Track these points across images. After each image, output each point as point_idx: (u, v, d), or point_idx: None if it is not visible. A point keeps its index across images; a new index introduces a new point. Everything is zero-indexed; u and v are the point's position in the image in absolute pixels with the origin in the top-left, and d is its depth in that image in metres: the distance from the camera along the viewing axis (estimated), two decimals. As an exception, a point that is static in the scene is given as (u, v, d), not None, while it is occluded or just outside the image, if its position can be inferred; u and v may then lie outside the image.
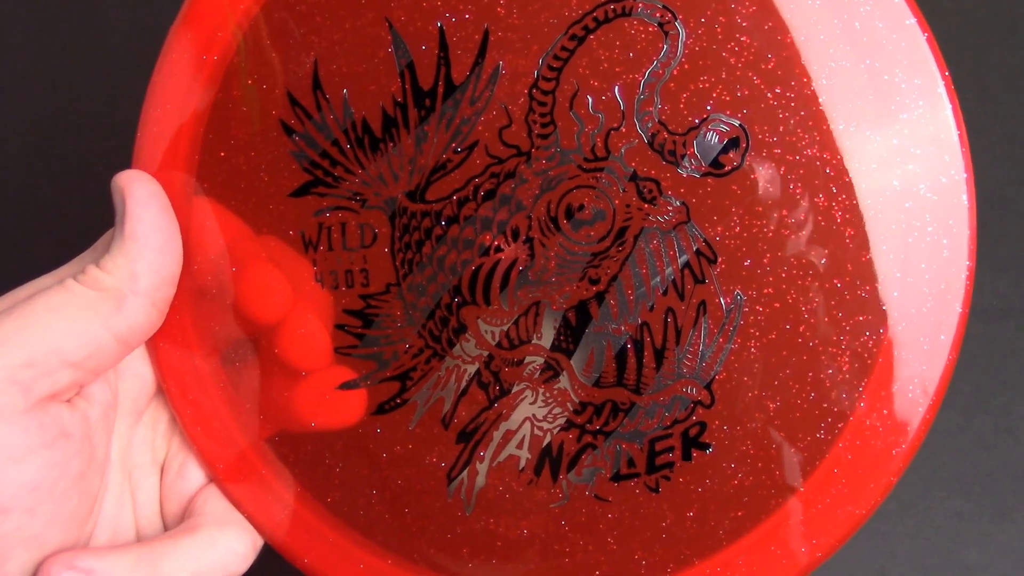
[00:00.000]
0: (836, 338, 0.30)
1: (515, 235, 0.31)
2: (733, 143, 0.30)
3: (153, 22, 0.48)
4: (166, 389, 0.34)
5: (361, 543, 0.33)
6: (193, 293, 0.33)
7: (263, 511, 0.34)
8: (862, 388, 0.30)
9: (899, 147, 0.29)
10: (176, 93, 0.33)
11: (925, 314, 0.30)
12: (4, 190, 0.50)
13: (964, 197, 0.29)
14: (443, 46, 0.31)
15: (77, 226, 0.49)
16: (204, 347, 0.34)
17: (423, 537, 0.33)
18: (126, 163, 0.47)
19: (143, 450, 0.35)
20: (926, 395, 0.30)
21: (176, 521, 0.35)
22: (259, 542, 0.35)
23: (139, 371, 0.34)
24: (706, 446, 0.31)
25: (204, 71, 0.33)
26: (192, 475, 0.35)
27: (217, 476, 0.34)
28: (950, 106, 0.29)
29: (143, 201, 0.32)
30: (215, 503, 0.34)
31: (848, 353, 0.30)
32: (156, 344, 0.34)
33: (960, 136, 0.29)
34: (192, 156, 0.33)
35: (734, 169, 0.30)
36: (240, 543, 0.34)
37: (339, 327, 0.32)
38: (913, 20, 0.29)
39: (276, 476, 0.34)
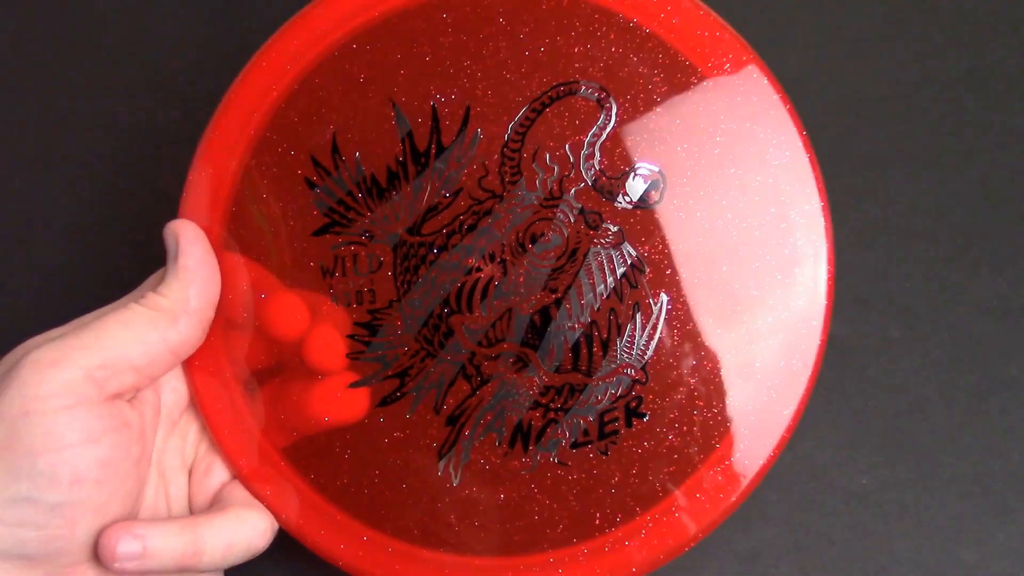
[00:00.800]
0: (737, 326, 0.39)
1: (491, 258, 0.40)
2: (654, 184, 0.40)
3: (153, 21, 0.53)
4: (199, 401, 0.41)
5: (364, 518, 0.40)
6: (224, 323, 0.41)
7: (281, 503, 0.41)
8: (758, 364, 0.39)
9: (773, 184, 0.40)
10: (217, 161, 0.41)
11: (801, 307, 0.39)
12: (4, 190, 0.52)
13: (822, 223, 0.40)
14: (435, 119, 0.40)
15: (77, 227, 0.51)
16: (234, 368, 0.41)
17: (417, 508, 0.40)
18: (126, 163, 0.51)
19: (174, 455, 0.41)
20: (806, 367, 0.39)
21: (203, 509, 0.41)
22: (277, 523, 0.41)
23: (175, 386, 0.41)
24: (643, 415, 0.39)
25: (241, 144, 0.41)
26: (217, 473, 0.41)
27: (241, 474, 0.41)
28: (807, 156, 0.40)
29: (192, 241, 0.40)
30: (240, 492, 0.41)
31: (747, 337, 0.39)
32: (192, 363, 0.41)
33: (815, 174, 0.40)
34: (228, 208, 0.41)
35: (656, 203, 0.40)
36: (262, 522, 0.40)
37: (351, 337, 0.41)
38: (777, 96, 0.40)
39: (294, 473, 0.41)
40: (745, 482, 0.39)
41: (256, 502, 0.41)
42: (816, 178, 0.40)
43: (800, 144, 0.40)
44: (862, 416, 0.48)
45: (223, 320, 0.41)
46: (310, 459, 0.41)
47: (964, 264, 0.49)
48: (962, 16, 0.52)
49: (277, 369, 0.41)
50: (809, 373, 0.39)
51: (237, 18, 0.53)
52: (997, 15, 0.52)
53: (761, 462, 0.39)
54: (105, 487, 0.37)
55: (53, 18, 0.54)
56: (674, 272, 0.40)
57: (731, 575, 0.45)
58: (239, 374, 0.41)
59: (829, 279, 0.39)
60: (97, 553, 0.37)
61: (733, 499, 0.39)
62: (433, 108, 0.40)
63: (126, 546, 0.36)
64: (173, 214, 0.42)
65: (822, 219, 0.39)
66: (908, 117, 0.50)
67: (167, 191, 0.49)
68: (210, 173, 0.41)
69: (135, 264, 0.49)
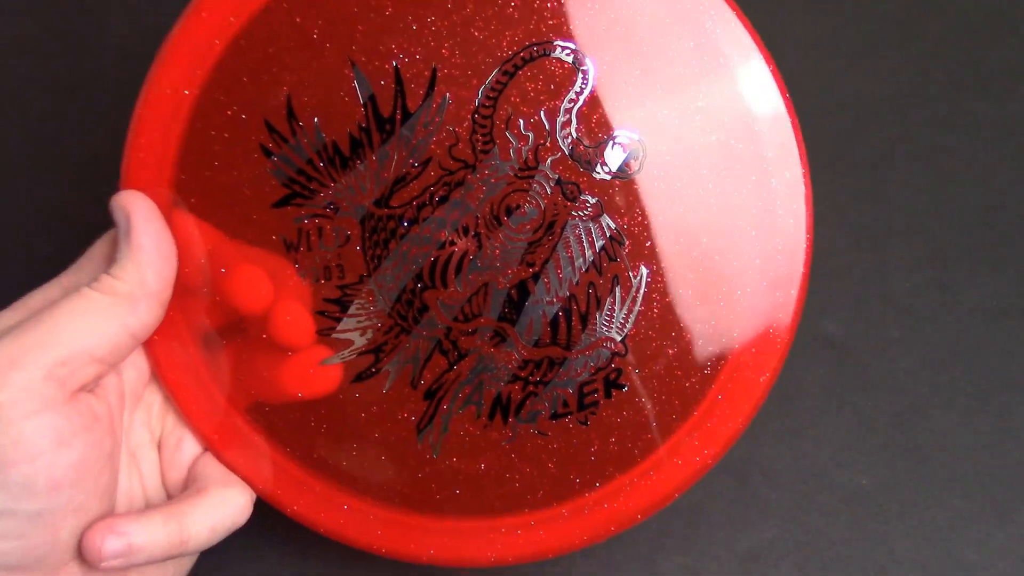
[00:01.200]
0: (715, 298, 0.39)
1: (465, 231, 0.39)
2: (633, 153, 0.38)
3: (153, 22, 0.52)
4: (161, 375, 0.40)
5: (344, 489, 0.40)
6: (181, 291, 0.39)
7: (255, 471, 0.40)
8: (736, 334, 0.40)
9: (755, 151, 0.38)
10: (158, 123, 0.38)
11: (779, 275, 0.39)
12: (4, 190, 0.51)
13: (802, 191, 0.39)
14: (399, 81, 0.38)
15: (77, 227, 0.50)
16: (194, 337, 0.39)
17: (398, 479, 0.40)
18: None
19: (142, 430, 0.40)
20: (782, 334, 0.40)
21: (178, 487, 0.40)
22: (255, 495, 0.41)
23: (136, 362, 0.40)
24: (622, 386, 0.40)
25: (184, 104, 0.38)
26: (188, 447, 0.41)
27: (212, 446, 0.40)
28: (790, 121, 0.39)
29: (146, 217, 0.37)
30: (213, 468, 0.40)
31: (724, 309, 0.39)
32: (151, 337, 0.39)
33: (797, 139, 0.39)
34: (176, 176, 0.38)
35: (635, 172, 0.39)
36: (243, 498, 0.40)
37: (320, 313, 0.39)
38: (762, 57, 0.38)
39: (266, 440, 0.40)
40: (718, 446, 0.40)
41: (233, 477, 0.40)
42: (798, 143, 0.39)
43: (784, 109, 0.38)
44: (862, 416, 0.47)
45: (181, 288, 0.39)
46: (284, 432, 0.40)
47: (964, 264, 0.49)
48: (962, 16, 0.52)
49: (241, 340, 0.39)
50: (785, 339, 0.40)
51: None
52: (997, 15, 0.52)
53: (737, 426, 0.40)
54: (82, 487, 0.36)
55: (54, 19, 0.52)
56: (654, 244, 0.39)
57: (731, 575, 0.45)
58: (201, 343, 0.40)
59: (807, 248, 0.39)
60: (82, 555, 0.36)
61: (708, 462, 0.40)
62: (396, 69, 0.38)
63: (111, 545, 0.36)
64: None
65: (803, 187, 0.39)
66: (908, 117, 0.50)
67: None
68: (154, 137, 0.38)
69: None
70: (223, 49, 0.38)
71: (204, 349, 0.39)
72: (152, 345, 0.39)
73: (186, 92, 0.38)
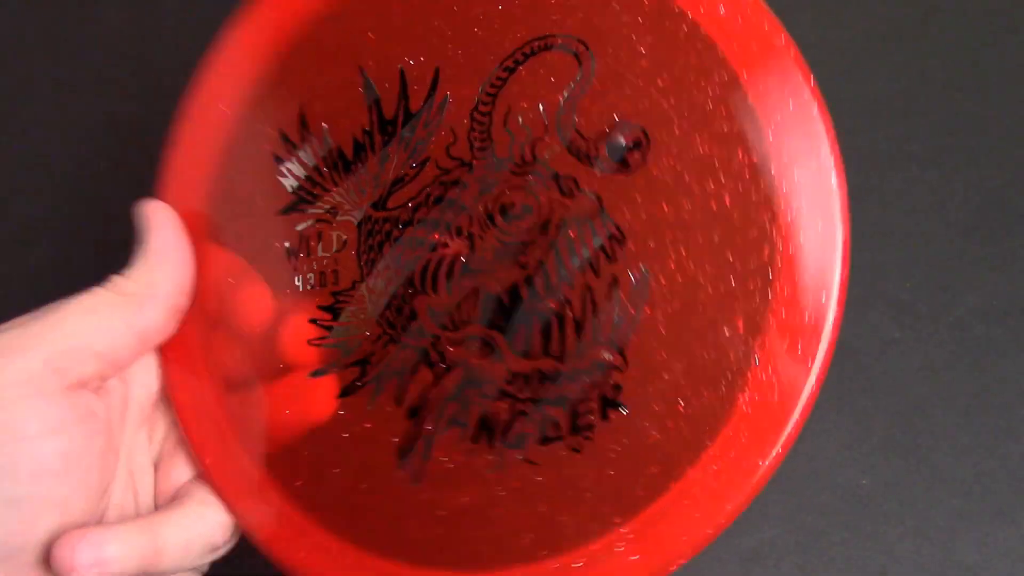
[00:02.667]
0: (730, 304, 0.34)
1: (459, 232, 0.36)
2: (636, 145, 0.35)
3: (154, 23, 0.54)
4: (173, 399, 0.38)
5: (321, 524, 0.37)
6: (204, 321, 0.38)
7: (242, 500, 0.37)
8: (756, 347, 0.33)
9: (773, 141, 0.34)
10: (195, 141, 0.39)
11: (807, 280, 0.33)
12: (4, 190, 0.52)
13: (834, 180, 0.34)
14: (403, 83, 0.37)
15: (78, 227, 0.51)
16: (209, 369, 0.38)
17: (375, 512, 0.36)
18: (126, 163, 0.51)
19: (143, 453, 0.39)
20: (813, 349, 0.33)
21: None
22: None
23: (145, 382, 0.39)
24: (622, 406, 0.34)
25: (220, 121, 0.39)
26: (180, 472, 0.39)
27: (207, 472, 0.38)
28: (816, 104, 0.34)
29: (163, 224, 0.38)
30: (198, 488, 0.38)
31: (742, 317, 0.34)
32: (167, 358, 0.39)
33: (827, 128, 0.34)
34: (206, 191, 0.39)
35: (638, 167, 0.35)
36: (223, 516, 0.37)
37: (313, 321, 0.37)
38: (781, 39, 0.35)
39: (253, 464, 0.37)
40: (742, 488, 0.33)
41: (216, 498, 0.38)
42: (827, 130, 0.34)
43: (808, 93, 0.34)
44: (862, 416, 0.47)
45: (203, 318, 0.38)
46: (275, 463, 0.37)
47: (964, 264, 0.49)
48: (962, 16, 0.53)
49: (254, 373, 0.38)
50: (818, 356, 0.33)
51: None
52: (997, 15, 0.53)
53: (763, 463, 0.33)
54: (67, 481, 0.35)
55: (55, 21, 0.55)
56: (658, 244, 0.34)
57: (731, 575, 0.45)
58: (216, 375, 0.38)
59: (844, 245, 0.33)
60: (52, 566, 0.34)
61: (728, 507, 0.33)
62: (401, 72, 0.37)
63: (83, 555, 0.34)
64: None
65: (833, 174, 0.34)
66: (908, 117, 0.50)
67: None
68: (187, 154, 0.39)
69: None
70: (255, 66, 0.39)
71: (223, 386, 0.38)
72: (168, 365, 0.39)
73: (223, 108, 0.39)
